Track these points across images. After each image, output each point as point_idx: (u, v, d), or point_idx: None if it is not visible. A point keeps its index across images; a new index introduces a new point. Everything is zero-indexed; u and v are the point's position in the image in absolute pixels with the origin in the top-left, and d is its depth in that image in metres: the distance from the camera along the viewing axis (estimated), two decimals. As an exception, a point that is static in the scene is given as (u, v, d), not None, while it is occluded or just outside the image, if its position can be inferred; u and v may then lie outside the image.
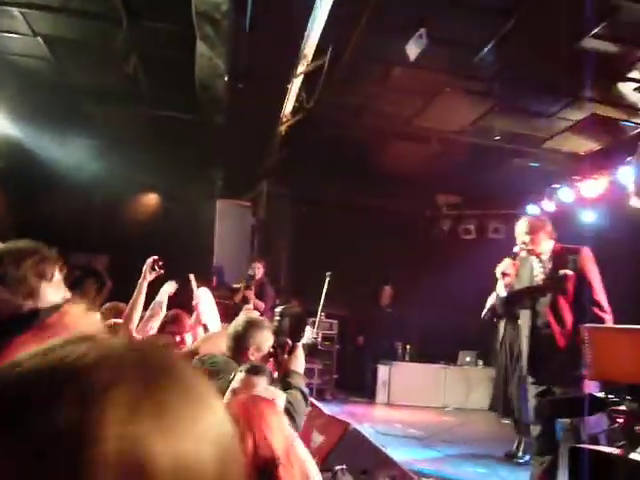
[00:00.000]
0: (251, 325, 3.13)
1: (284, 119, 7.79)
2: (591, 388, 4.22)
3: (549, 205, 9.35)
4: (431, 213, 11.97)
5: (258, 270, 9.22)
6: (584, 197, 8.84)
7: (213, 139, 8.79)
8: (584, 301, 4.31)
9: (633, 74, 6.58)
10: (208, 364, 2.95)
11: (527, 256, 4.62)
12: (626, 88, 6.89)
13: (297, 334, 3.13)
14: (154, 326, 4.02)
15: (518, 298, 4.68)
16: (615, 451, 1.44)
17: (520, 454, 6.00)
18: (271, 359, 3.11)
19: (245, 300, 8.57)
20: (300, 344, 3.03)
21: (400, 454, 5.55)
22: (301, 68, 6.31)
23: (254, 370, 2.56)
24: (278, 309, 3.32)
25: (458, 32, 6.22)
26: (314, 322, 9.52)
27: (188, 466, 0.49)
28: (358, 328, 11.12)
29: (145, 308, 4.10)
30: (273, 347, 3.11)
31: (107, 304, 5.08)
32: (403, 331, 10.69)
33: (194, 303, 4.40)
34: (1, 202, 10.27)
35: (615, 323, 4.22)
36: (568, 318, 4.38)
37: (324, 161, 10.56)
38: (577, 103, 7.47)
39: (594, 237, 8.91)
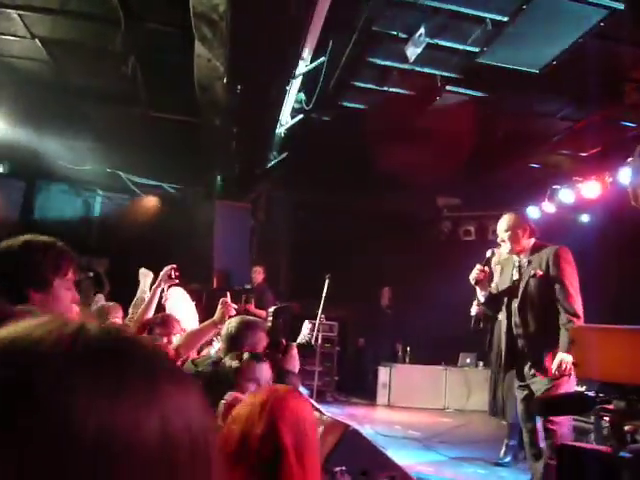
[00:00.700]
0: (244, 326, 3.12)
1: (283, 121, 7.77)
2: (570, 387, 4.21)
3: (549, 206, 9.33)
4: (431, 215, 11.95)
5: (258, 275, 9.22)
6: (585, 198, 8.81)
7: (212, 141, 8.78)
8: (553, 303, 4.23)
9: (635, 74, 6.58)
10: (203, 366, 2.93)
11: (509, 255, 4.56)
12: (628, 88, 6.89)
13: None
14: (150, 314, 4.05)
15: (494, 300, 4.65)
16: (603, 449, 1.43)
17: (501, 455, 5.98)
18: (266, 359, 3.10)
19: (246, 311, 8.57)
20: (295, 344, 3.02)
21: (400, 456, 5.52)
22: (300, 69, 6.30)
23: (257, 357, 2.54)
24: (271, 309, 3.32)
25: (457, 33, 6.21)
26: (314, 324, 9.54)
27: (165, 446, 0.48)
28: (358, 330, 11.12)
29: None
30: (268, 347, 3.10)
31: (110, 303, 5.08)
32: (403, 333, 10.67)
33: (163, 301, 4.41)
34: (2, 204, 10.27)
35: (621, 322, 4.18)
36: (532, 320, 4.31)
37: (323, 163, 10.55)
38: (578, 104, 7.47)
39: (594, 238, 8.92)
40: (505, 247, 4.49)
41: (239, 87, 6.43)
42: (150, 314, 4.02)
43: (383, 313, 10.92)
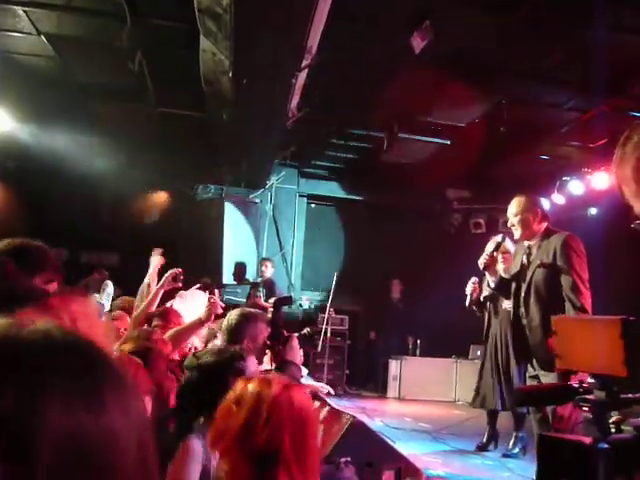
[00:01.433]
0: (244, 317, 3.13)
1: (290, 114, 7.77)
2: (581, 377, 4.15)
3: (559, 198, 9.27)
4: (441, 207, 11.91)
5: (266, 269, 9.23)
6: (594, 189, 8.75)
7: (220, 136, 8.79)
8: (559, 294, 4.06)
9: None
10: (204, 358, 2.94)
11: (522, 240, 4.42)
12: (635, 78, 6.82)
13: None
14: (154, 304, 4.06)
15: (505, 286, 4.53)
16: (584, 440, 1.42)
17: (510, 446, 5.96)
18: (268, 350, 3.11)
19: (255, 305, 8.58)
20: (295, 335, 3.03)
21: (410, 447, 5.53)
22: (306, 62, 6.29)
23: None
24: (271, 300, 3.33)
25: (463, 24, 6.17)
26: (324, 318, 9.55)
27: (114, 448, 0.50)
28: (369, 323, 11.12)
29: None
30: (269, 338, 3.11)
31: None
32: (414, 325, 10.66)
33: (168, 304, 4.41)
34: (12, 202, 10.35)
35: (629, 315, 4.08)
36: (536, 311, 4.17)
37: (333, 156, 10.55)
38: (585, 94, 7.40)
39: (603, 230, 8.85)
40: (516, 232, 4.36)
41: (245, 81, 6.43)
42: (153, 309, 4.03)
43: (393, 306, 10.91)
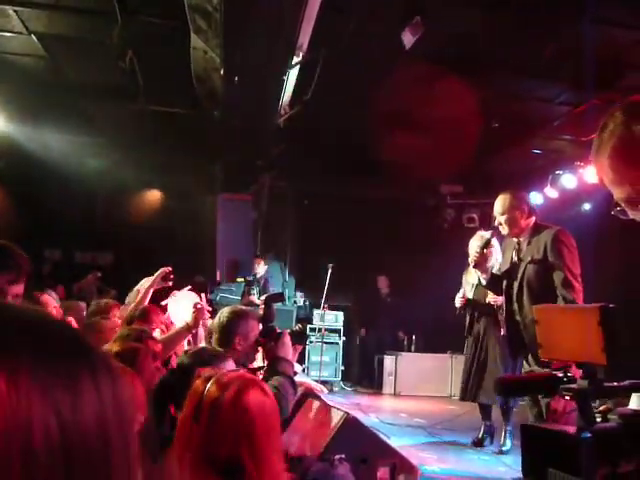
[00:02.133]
0: (235, 315, 3.12)
1: (282, 111, 7.76)
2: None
3: (552, 192, 9.28)
4: (435, 203, 11.92)
5: (259, 266, 9.21)
6: (587, 183, 8.76)
7: (212, 134, 8.78)
8: (551, 290, 4.03)
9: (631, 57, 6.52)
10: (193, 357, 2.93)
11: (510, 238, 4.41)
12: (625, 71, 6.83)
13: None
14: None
15: (496, 283, 4.49)
16: (568, 429, 1.43)
17: (484, 439, 6.00)
18: (259, 347, 3.11)
19: (250, 303, 8.57)
20: (287, 331, 3.02)
21: (405, 443, 5.56)
22: (297, 59, 6.28)
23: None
24: (262, 297, 3.32)
25: (454, 20, 6.18)
26: (319, 314, 9.56)
27: (87, 436, 0.47)
28: (362, 320, 11.13)
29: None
30: (260, 334, 3.10)
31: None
32: (409, 321, 10.68)
33: (164, 302, 4.39)
34: (4, 202, 10.31)
35: (622, 312, 4.07)
36: (529, 307, 4.09)
37: (325, 153, 10.53)
38: (576, 88, 7.42)
39: (596, 225, 8.88)
40: (504, 230, 4.32)
41: (236, 78, 6.42)
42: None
43: (386, 302, 10.93)
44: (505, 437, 5.83)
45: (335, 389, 9.76)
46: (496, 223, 4.38)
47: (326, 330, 9.79)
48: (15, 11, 6.33)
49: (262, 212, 11.00)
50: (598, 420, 1.42)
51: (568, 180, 9.02)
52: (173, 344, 3.49)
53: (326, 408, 3.91)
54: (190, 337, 4.02)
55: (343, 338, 10.38)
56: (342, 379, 10.29)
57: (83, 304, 5.39)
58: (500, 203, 4.33)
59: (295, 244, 11.38)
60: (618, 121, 1.30)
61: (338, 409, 3.83)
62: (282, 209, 11.22)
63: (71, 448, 0.46)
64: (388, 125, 8.91)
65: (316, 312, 9.94)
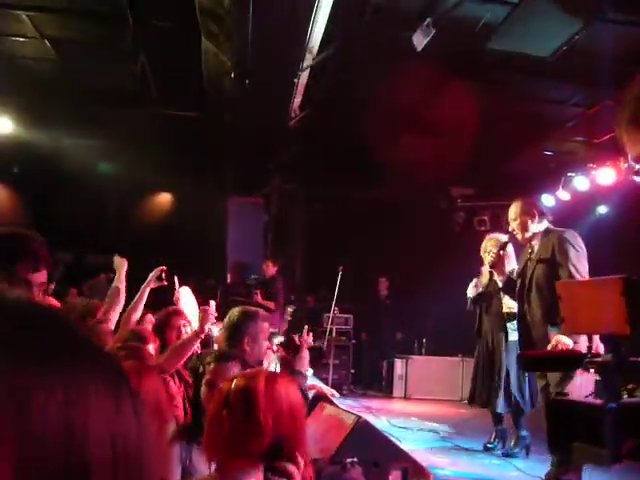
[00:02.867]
0: (246, 315, 3.12)
1: (293, 114, 7.77)
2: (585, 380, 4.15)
3: (564, 194, 9.22)
4: (446, 205, 11.88)
5: (267, 268, 9.18)
6: (600, 185, 8.70)
7: (223, 137, 8.80)
8: (552, 290, 3.97)
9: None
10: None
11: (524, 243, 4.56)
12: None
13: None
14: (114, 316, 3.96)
15: (512, 286, 4.64)
16: (594, 402, 1.43)
17: (494, 444, 5.94)
18: (269, 351, 3.11)
19: (259, 305, 8.57)
20: (305, 343, 3.01)
21: (416, 447, 5.53)
22: (307, 62, 6.28)
23: (225, 357, 2.53)
24: (291, 308, 3.33)
25: (464, 20, 6.16)
26: (329, 317, 9.55)
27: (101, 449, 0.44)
28: (372, 322, 11.11)
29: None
30: (280, 344, 3.11)
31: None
32: (419, 324, 10.65)
33: (175, 299, 4.41)
34: (17, 206, 10.39)
35: None
36: (538, 306, 4.25)
37: (336, 156, 10.54)
38: (590, 89, 7.37)
39: (610, 225, 8.82)
40: (518, 236, 4.48)
41: (247, 81, 6.43)
42: (138, 315, 3.99)
43: (381, 304, 10.92)
44: (516, 442, 5.78)
45: (345, 392, 9.74)
46: (510, 229, 4.58)
47: (336, 333, 9.79)
48: (28, 16, 6.38)
49: (273, 215, 11.01)
50: (625, 397, 1.41)
51: (581, 182, 8.96)
52: (182, 353, 3.48)
53: (338, 411, 3.91)
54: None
55: (353, 341, 10.37)
56: (352, 382, 10.27)
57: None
58: (512, 209, 4.54)
59: (305, 246, 11.38)
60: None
61: (350, 412, 3.82)
62: (292, 212, 11.22)
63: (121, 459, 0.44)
64: (399, 127, 8.90)
65: (326, 315, 9.93)
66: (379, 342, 10.70)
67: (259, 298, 8.54)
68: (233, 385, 1.75)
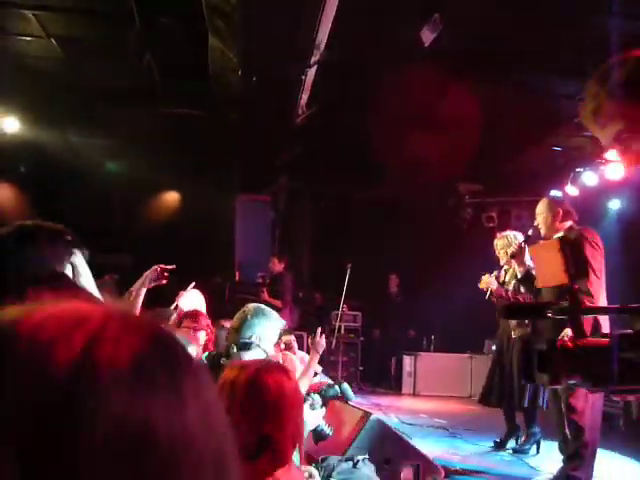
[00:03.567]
0: (259, 313, 3.09)
1: (300, 111, 7.74)
2: None
3: (573, 190, 9.17)
4: (453, 202, 11.84)
5: (274, 265, 9.10)
6: (609, 181, 8.65)
7: (229, 135, 8.79)
8: (575, 286, 4.22)
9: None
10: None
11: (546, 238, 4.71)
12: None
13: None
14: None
15: (529, 280, 4.81)
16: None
17: (521, 442, 5.90)
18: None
19: (264, 302, 8.53)
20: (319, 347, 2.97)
21: (426, 443, 5.50)
22: (315, 58, 6.26)
23: (245, 346, 2.51)
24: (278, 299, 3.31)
25: (475, 15, 6.12)
26: (337, 315, 9.53)
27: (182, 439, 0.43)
28: (375, 320, 11.08)
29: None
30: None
31: None
32: (423, 320, 10.63)
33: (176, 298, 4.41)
34: (24, 205, 10.40)
35: None
36: (548, 298, 4.29)
37: (343, 154, 10.51)
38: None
39: (620, 221, 8.77)
40: (541, 230, 4.71)
41: (254, 78, 6.41)
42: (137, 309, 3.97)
43: (391, 301, 10.89)
44: (527, 438, 5.76)
45: (353, 389, 9.72)
46: (535, 223, 4.79)
47: (345, 330, 9.77)
48: (34, 15, 6.37)
49: (280, 212, 10.99)
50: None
51: (589, 178, 8.91)
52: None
53: (349, 409, 3.90)
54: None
55: (361, 338, 10.35)
56: (361, 379, 10.26)
57: None
58: (539, 205, 4.80)
59: (313, 244, 11.36)
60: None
61: (362, 410, 3.81)
62: (300, 209, 11.21)
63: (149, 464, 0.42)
64: (406, 124, 8.86)
65: (334, 312, 9.92)
66: (390, 339, 10.68)
67: (265, 296, 8.50)
68: (223, 378, 1.74)
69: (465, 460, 5.42)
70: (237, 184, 10.63)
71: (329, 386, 3.16)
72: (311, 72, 6.56)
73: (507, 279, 5.85)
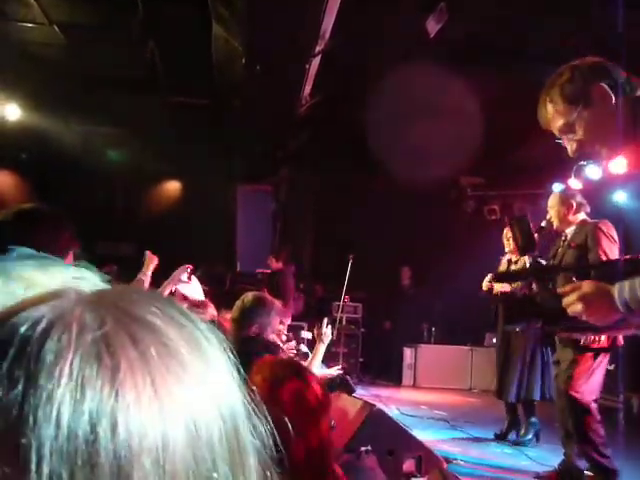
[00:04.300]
0: (260, 303, 3.07)
1: (303, 101, 7.70)
2: (597, 365, 4.18)
3: (576, 183, 9.13)
4: (455, 195, 11.81)
5: (271, 263, 8.97)
6: (613, 174, 8.61)
7: (232, 124, 8.74)
8: (587, 276, 4.18)
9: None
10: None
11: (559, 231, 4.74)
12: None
13: None
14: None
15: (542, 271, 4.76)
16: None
17: (522, 433, 5.90)
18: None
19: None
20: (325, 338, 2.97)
21: (426, 436, 5.49)
22: (319, 47, 6.22)
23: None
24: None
25: (479, 7, 6.08)
26: (338, 306, 9.51)
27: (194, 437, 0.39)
28: (381, 311, 11.07)
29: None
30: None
31: None
32: (427, 313, 10.62)
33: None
34: (25, 193, 10.37)
35: None
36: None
37: (345, 144, 10.47)
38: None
39: (624, 214, 8.74)
40: (554, 223, 4.72)
41: (258, 67, 6.37)
42: None
43: (405, 293, 10.86)
44: (527, 429, 5.77)
45: (354, 381, 9.72)
46: (548, 217, 4.79)
47: (345, 321, 9.76)
48: (36, 1, 6.31)
49: (281, 203, 10.95)
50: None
51: (592, 171, 8.87)
52: None
53: (351, 400, 3.89)
54: None
55: (362, 330, 10.35)
56: (361, 371, 10.26)
57: None
58: (551, 198, 4.87)
59: (314, 235, 11.33)
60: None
61: (364, 401, 3.80)
62: (301, 200, 11.17)
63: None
64: (409, 115, 8.82)
65: (335, 303, 9.90)
66: (400, 331, 10.66)
67: (264, 293, 8.42)
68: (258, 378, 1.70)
69: (466, 452, 5.43)
70: (239, 174, 10.59)
71: (331, 381, 3.15)
72: (315, 62, 6.52)
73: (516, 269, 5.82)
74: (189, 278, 4.26)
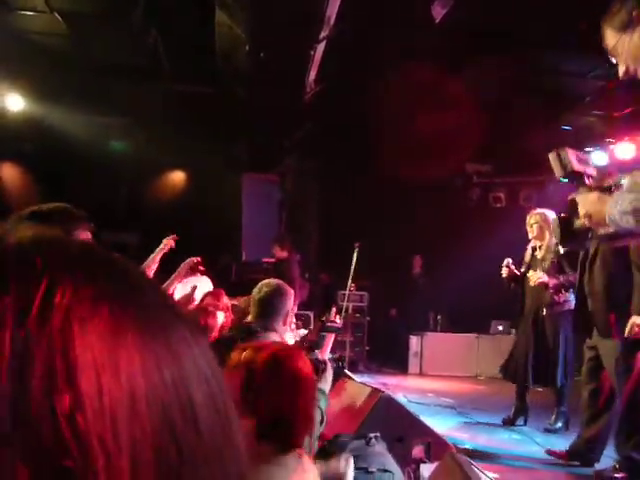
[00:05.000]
0: (278, 291, 3.03)
1: (308, 88, 7.65)
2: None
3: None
4: (461, 182, 11.76)
5: (276, 252, 8.89)
6: (618, 160, 8.56)
7: (237, 112, 8.70)
8: (625, 259, 4.12)
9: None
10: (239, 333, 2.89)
11: None
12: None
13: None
14: None
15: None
16: None
17: (552, 421, 5.85)
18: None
19: None
20: (330, 364, 2.95)
21: (434, 423, 5.47)
22: (324, 33, 6.16)
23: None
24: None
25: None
26: (344, 294, 9.48)
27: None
28: (390, 299, 11.06)
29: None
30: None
31: None
32: (435, 301, 10.60)
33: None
34: (29, 183, 10.36)
35: None
36: (600, 278, 4.32)
37: (351, 133, 10.42)
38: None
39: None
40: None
41: (262, 54, 6.33)
42: None
43: (413, 282, 10.84)
44: (557, 417, 5.71)
45: (361, 369, 9.73)
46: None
47: (351, 310, 9.75)
48: (38, -12, 6.28)
49: (287, 192, 10.91)
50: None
51: (599, 157, 8.83)
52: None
53: (360, 387, 3.88)
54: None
55: (368, 318, 10.34)
56: (367, 359, 10.27)
57: None
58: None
59: (320, 224, 11.30)
60: None
61: (373, 388, 3.79)
62: (307, 189, 11.12)
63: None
64: (415, 103, 8.76)
65: (341, 292, 9.87)
66: (406, 319, 10.65)
67: None
68: (237, 359, 1.72)
69: (474, 439, 5.42)
70: (244, 163, 10.55)
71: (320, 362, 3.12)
72: (320, 47, 6.47)
73: (541, 255, 5.75)
74: (198, 270, 4.27)
